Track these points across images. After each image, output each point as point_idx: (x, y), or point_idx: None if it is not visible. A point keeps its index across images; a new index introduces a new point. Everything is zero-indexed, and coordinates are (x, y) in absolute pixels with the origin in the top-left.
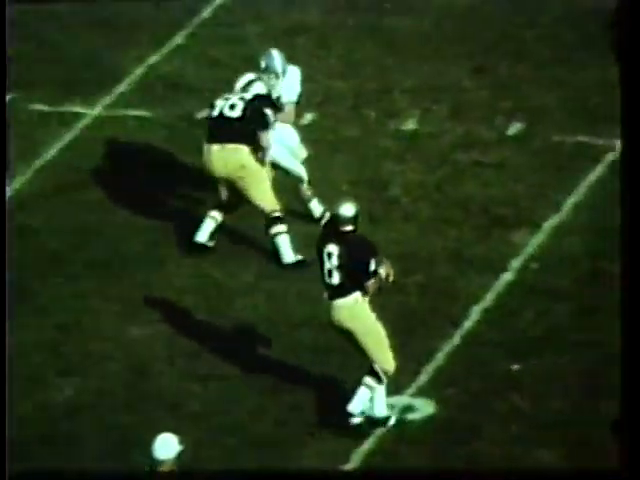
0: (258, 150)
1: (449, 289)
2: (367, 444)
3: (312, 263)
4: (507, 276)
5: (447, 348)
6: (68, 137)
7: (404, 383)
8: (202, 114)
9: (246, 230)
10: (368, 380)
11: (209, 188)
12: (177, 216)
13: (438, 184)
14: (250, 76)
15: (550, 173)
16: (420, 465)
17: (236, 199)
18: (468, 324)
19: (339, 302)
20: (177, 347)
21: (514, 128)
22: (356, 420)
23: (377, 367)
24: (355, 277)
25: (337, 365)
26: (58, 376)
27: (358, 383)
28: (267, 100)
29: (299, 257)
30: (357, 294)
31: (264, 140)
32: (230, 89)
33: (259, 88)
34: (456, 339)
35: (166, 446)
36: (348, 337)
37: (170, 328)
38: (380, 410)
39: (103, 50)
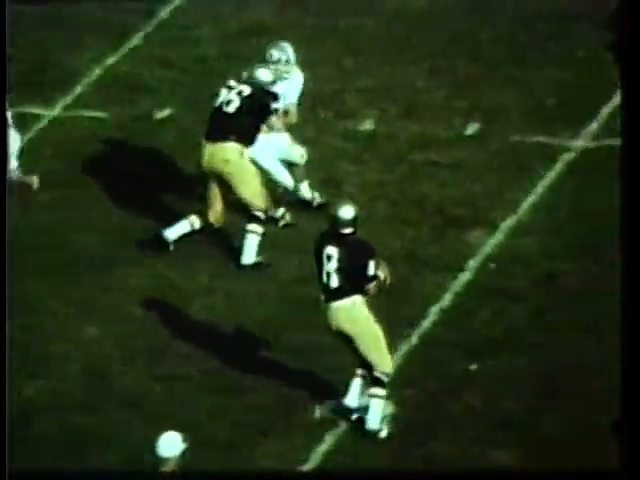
0: (249, 146)
1: (406, 289)
2: (325, 444)
3: (270, 265)
4: (464, 276)
5: (404, 348)
6: (24, 138)
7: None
8: (160, 114)
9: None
10: (374, 391)
11: (166, 188)
12: (133, 216)
13: (394, 184)
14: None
15: (507, 173)
16: (378, 465)
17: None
18: (425, 324)
19: (336, 304)
20: (135, 348)
21: (471, 128)
22: (384, 433)
23: (377, 374)
24: (354, 280)
25: (297, 365)
26: (18, 377)
27: (331, 383)
28: (268, 93)
29: (258, 259)
30: (355, 297)
31: (270, 125)
32: (186, 90)
33: (264, 75)
34: (413, 339)
35: (171, 444)
36: (345, 340)
37: (128, 329)
38: (350, 401)
39: (60, 51)
